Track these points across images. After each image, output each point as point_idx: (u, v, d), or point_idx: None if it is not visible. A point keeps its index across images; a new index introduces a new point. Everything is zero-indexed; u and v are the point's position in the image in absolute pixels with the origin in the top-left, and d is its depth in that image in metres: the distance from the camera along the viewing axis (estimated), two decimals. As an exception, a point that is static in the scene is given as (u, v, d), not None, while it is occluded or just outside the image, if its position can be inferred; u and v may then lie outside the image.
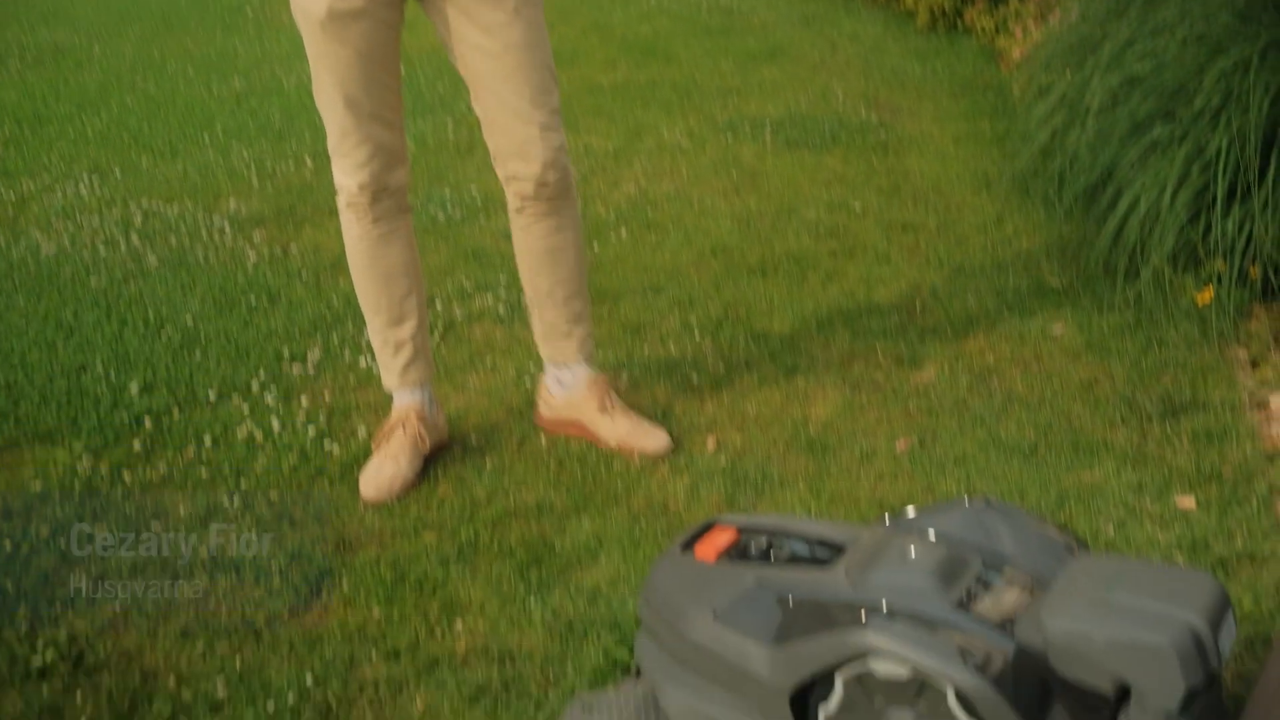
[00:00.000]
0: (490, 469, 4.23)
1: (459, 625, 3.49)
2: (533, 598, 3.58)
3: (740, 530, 3.18)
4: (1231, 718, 2.90)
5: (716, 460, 4.21)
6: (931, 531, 3.05)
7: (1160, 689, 2.58)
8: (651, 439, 4.31)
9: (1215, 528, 3.70)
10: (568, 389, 4.41)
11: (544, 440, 4.37)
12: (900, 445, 4.26)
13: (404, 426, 4.21)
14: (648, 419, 4.42)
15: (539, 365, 4.60)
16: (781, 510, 3.91)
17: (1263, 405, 4.38)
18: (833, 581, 2.89)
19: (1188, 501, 3.86)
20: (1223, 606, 2.68)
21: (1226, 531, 3.68)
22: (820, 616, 2.79)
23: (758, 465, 4.18)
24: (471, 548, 3.83)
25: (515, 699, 3.21)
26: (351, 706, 3.23)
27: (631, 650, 3.31)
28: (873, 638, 2.68)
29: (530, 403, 4.61)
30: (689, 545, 3.16)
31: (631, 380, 4.76)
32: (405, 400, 4.29)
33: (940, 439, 4.28)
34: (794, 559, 3.05)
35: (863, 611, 2.74)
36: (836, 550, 3.05)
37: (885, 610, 2.73)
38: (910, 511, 3.18)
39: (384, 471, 4.13)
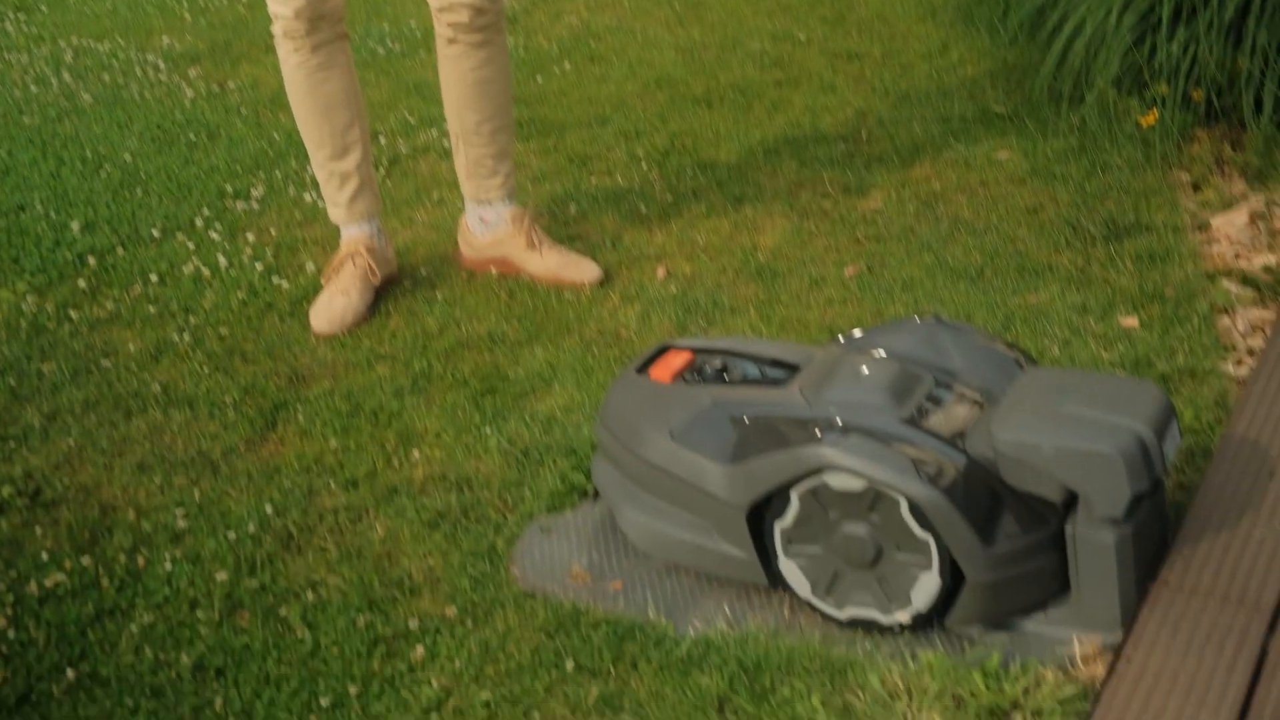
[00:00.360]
0: (441, 301, 4.23)
1: (416, 454, 3.52)
2: (488, 426, 3.60)
3: (694, 352, 3.22)
4: (1173, 525, 2.99)
5: (667, 288, 4.23)
6: (883, 350, 3.10)
7: (1107, 496, 2.65)
8: (582, 271, 4.32)
9: (1157, 345, 3.77)
10: (491, 227, 4.40)
11: (494, 272, 4.36)
12: (849, 271, 4.29)
13: (353, 260, 4.20)
14: (574, 251, 4.43)
15: (486, 198, 4.58)
16: (729, 335, 3.94)
17: (1204, 227, 4.44)
18: (788, 399, 2.93)
19: (1131, 321, 3.92)
20: (1167, 415, 2.75)
21: (1168, 349, 3.75)
22: (776, 434, 2.84)
23: (708, 293, 4.20)
24: (425, 378, 3.84)
25: (474, 524, 3.25)
26: (312, 534, 3.27)
27: (588, 474, 3.36)
28: (828, 453, 2.73)
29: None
30: (644, 368, 3.19)
31: (579, 211, 4.75)
32: (353, 233, 4.27)
33: (888, 264, 4.31)
34: (748, 379, 3.08)
35: (818, 428, 2.79)
36: (790, 370, 3.08)
37: (840, 425, 2.78)
38: (861, 331, 3.22)
39: (335, 305, 4.12)
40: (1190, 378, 3.63)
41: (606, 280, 4.28)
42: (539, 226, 4.44)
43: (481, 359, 3.91)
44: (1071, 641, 2.76)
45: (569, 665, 2.82)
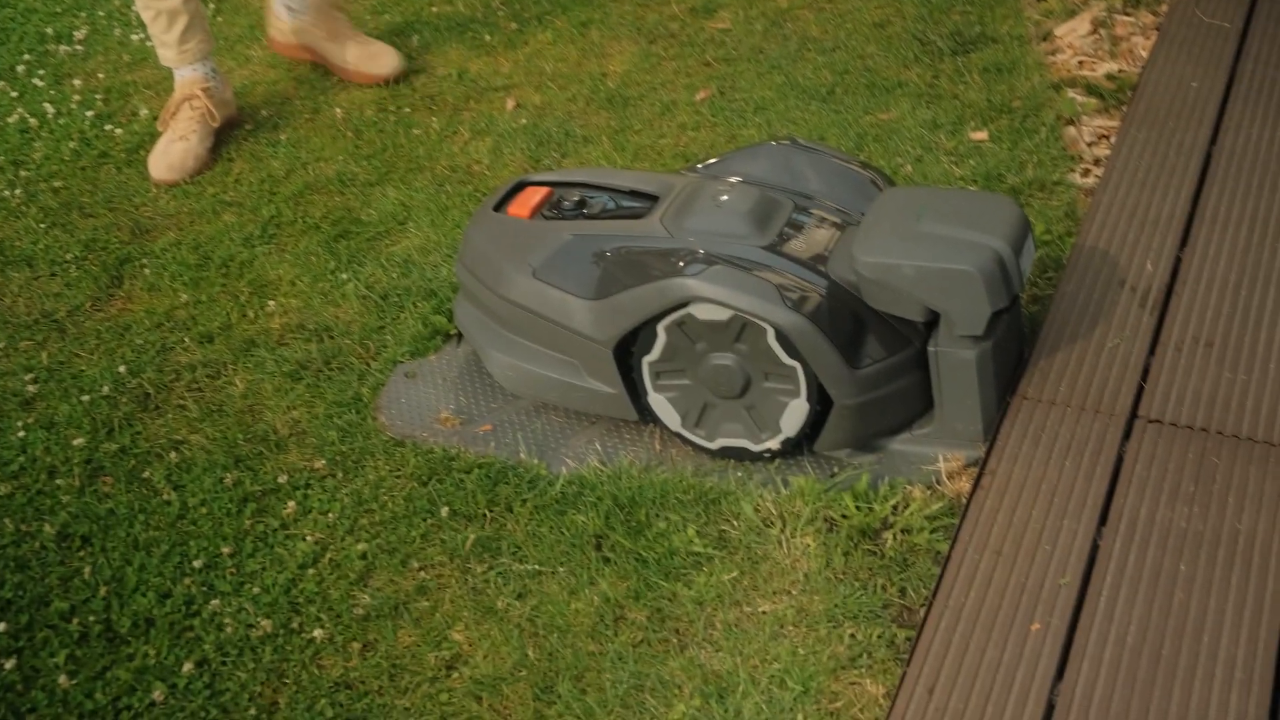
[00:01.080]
0: (285, 143, 4.10)
1: (271, 305, 3.44)
2: (344, 271, 3.53)
3: (552, 187, 3.16)
4: (1028, 339, 3.05)
5: (517, 120, 4.15)
6: (740, 175, 3.08)
7: (967, 313, 2.68)
8: (382, 63, 4.35)
9: (1007, 159, 3.80)
10: (296, 13, 4.37)
11: (339, 111, 4.24)
12: (700, 95, 4.24)
13: (190, 103, 4.03)
14: (378, 40, 4.43)
15: (325, 32, 4.41)
16: (588, 167, 3.88)
17: (1047, 37, 4.45)
18: (649, 231, 2.91)
19: (981, 135, 3.95)
20: (1024, 230, 2.78)
21: (1018, 162, 3.78)
22: (640, 268, 2.82)
23: (559, 123, 4.12)
24: (275, 225, 3.74)
25: (337, 373, 3.20)
26: (170, 393, 3.19)
27: (450, 317, 3.31)
28: (693, 284, 2.71)
29: (319, 69, 4.44)
30: (501, 205, 3.13)
31: (422, 43, 4.61)
32: (187, 75, 4.09)
33: (739, 87, 4.27)
34: (608, 212, 3.04)
35: (681, 259, 2.77)
36: (650, 200, 3.05)
37: (703, 255, 2.76)
38: (716, 157, 3.19)
39: (174, 150, 3.97)
40: (1040, 190, 3.67)
41: (450, 118, 4.17)
42: (344, 14, 4.42)
43: (332, 202, 3.82)
44: (937, 459, 2.83)
45: (444, 512, 2.81)
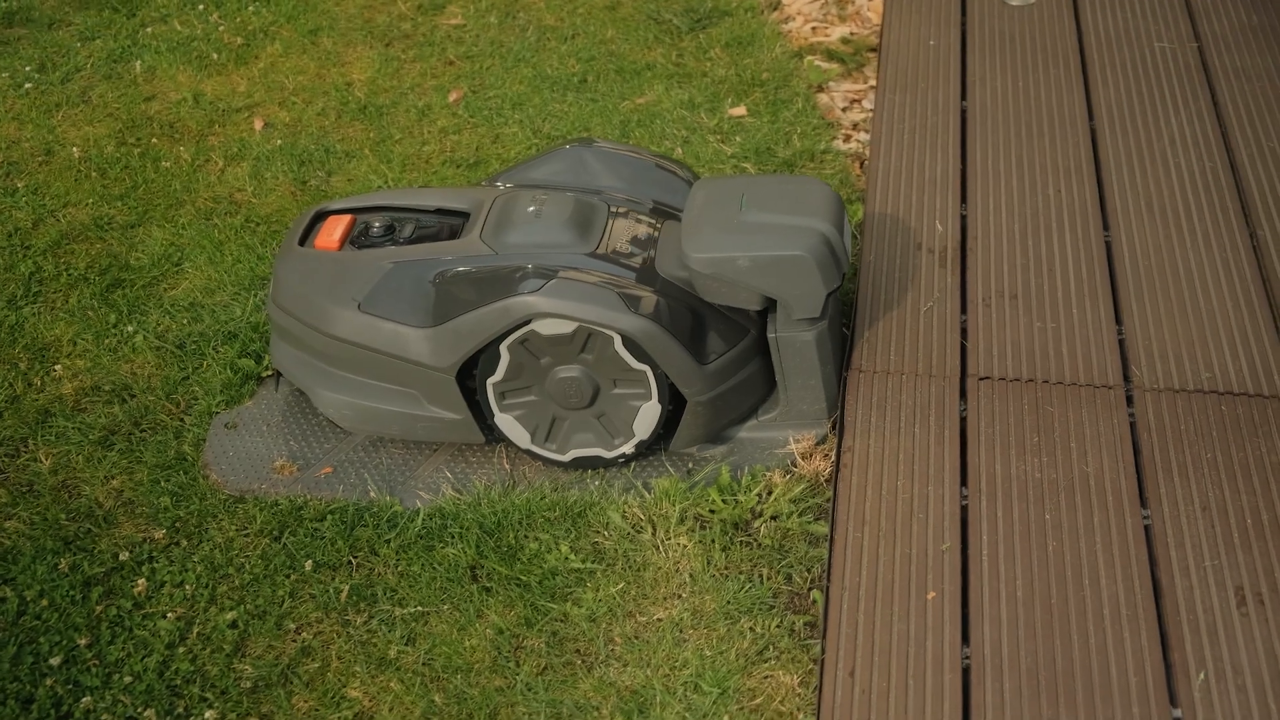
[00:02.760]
0: (24, 190, 3.83)
1: (58, 368, 3.22)
2: (128, 324, 3.34)
3: (353, 214, 3.07)
4: (847, 313, 3.14)
5: (271, 141, 3.99)
6: (543, 183, 3.06)
7: (803, 296, 2.74)
8: None
9: (771, 132, 3.89)
10: None
11: (75, 150, 3.98)
12: (453, 96, 4.17)
13: None
14: None
15: (38, 66, 4.13)
16: (356, 183, 3.78)
17: (777, 6, 4.57)
18: (471, 250, 2.85)
19: (739, 110, 4.03)
20: (841, 209, 2.86)
21: (783, 135, 3.88)
22: (474, 289, 2.76)
23: (315, 139, 3.99)
24: (37, 281, 3.50)
25: (150, 433, 3.03)
26: (-34, 478, 2.96)
27: (257, 359, 3.18)
28: (535, 301, 2.68)
29: (39, 106, 4.16)
30: (305, 239, 3.01)
31: (145, 67, 4.37)
32: None
33: (489, 84, 4.23)
34: (422, 234, 2.97)
35: (516, 277, 2.73)
36: (461, 217, 3.00)
37: (535, 270, 2.73)
38: (515, 166, 3.16)
39: None
40: (811, 160, 3.78)
41: (198, 146, 3.98)
42: None
43: (94, 250, 3.60)
44: (787, 441, 2.89)
45: (307, 565, 2.71)
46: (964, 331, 3.02)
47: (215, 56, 4.42)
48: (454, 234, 2.94)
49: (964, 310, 3.08)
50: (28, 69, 4.35)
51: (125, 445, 3.00)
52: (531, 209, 2.88)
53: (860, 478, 2.70)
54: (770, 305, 2.80)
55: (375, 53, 4.42)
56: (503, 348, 2.77)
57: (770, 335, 2.81)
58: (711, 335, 2.80)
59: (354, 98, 4.18)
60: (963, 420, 2.81)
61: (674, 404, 2.82)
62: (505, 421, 2.87)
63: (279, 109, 4.16)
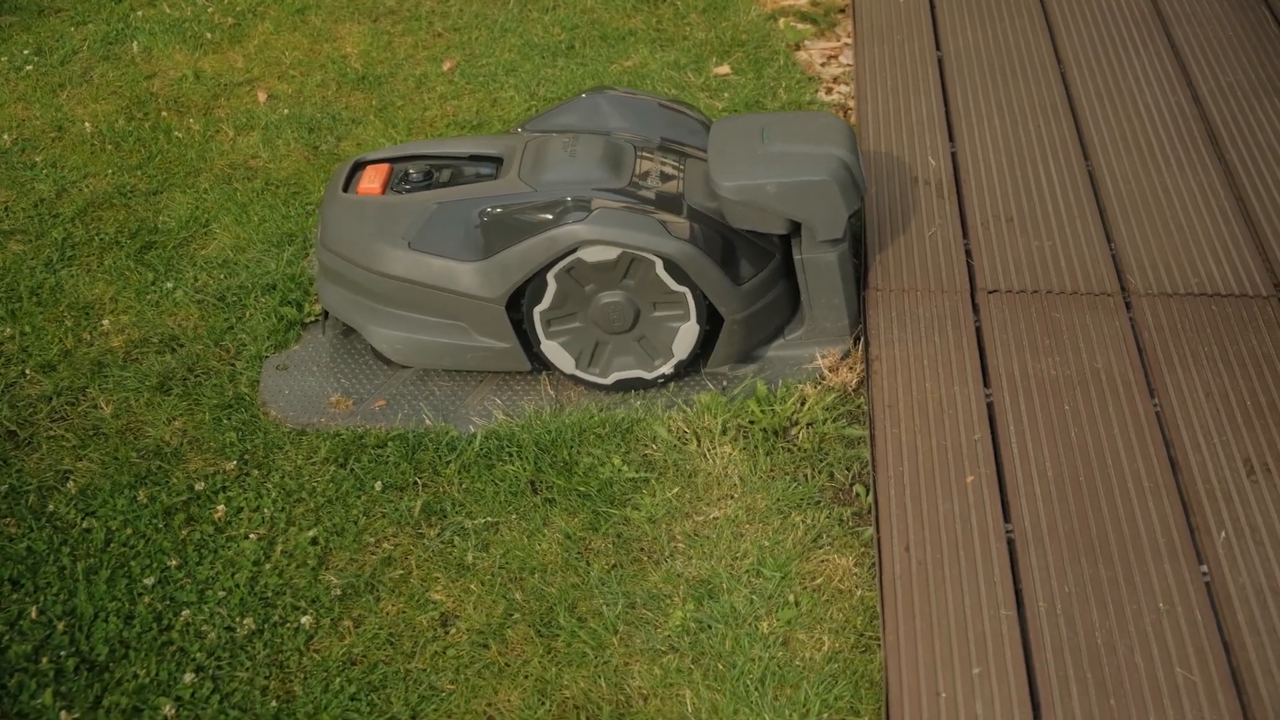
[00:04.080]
0: (43, 164, 3.94)
1: (105, 323, 3.34)
2: (167, 280, 3.47)
3: (391, 163, 3.23)
4: (858, 234, 3.35)
5: (277, 111, 4.14)
6: (571, 127, 3.24)
7: (827, 219, 2.95)
8: None
9: (758, 88, 4.10)
10: None
11: (88, 126, 4.10)
12: (447, 65, 4.34)
13: None
14: None
15: (35, 44, 4.23)
16: (366, 145, 3.93)
17: (747, -28, 4.78)
18: (513, 189, 3.03)
19: (724, 69, 4.23)
20: (853, 139, 3.07)
21: (769, 90, 4.09)
22: (520, 223, 2.94)
23: (320, 108, 4.14)
24: (70, 246, 3.62)
25: (206, 378, 3.17)
26: (34, 427, 3.07)
27: (299, 306, 3.33)
28: (580, 230, 2.87)
29: (43, 87, 4.27)
30: (347, 186, 3.17)
31: (141, 48, 4.49)
32: None
33: (480, 53, 4.39)
34: (460, 178, 3.14)
35: (559, 209, 2.91)
36: (495, 162, 3.17)
37: (577, 202, 2.91)
38: (540, 114, 3.34)
39: None
40: (799, 110, 3.98)
41: (206, 118, 4.11)
42: None
43: (121, 215, 3.72)
44: (814, 357, 3.09)
45: (376, 486, 2.87)
46: (968, 251, 3.24)
47: (209, 36, 4.55)
48: (491, 178, 3.11)
49: (965, 234, 3.30)
50: (25, 52, 4.45)
51: (182, 389, 3.14)
52: (564, 150, 3.07)
53: (890, 382, 2.91)
54: (795, 230, 3.01)
55: (364, 28, 4.57)
56: (549, 276, 2.95)
57: (796, 257, 3.01)
58: (743, 259, 3.00)
59: (351, 69, 4.33)
60: (977, 329, 3.02)
61: (710, 324, 3.02)
62: (551, 348, 3.05)
63: (279, 82, 4.30)
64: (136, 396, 3.13)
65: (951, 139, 3.64)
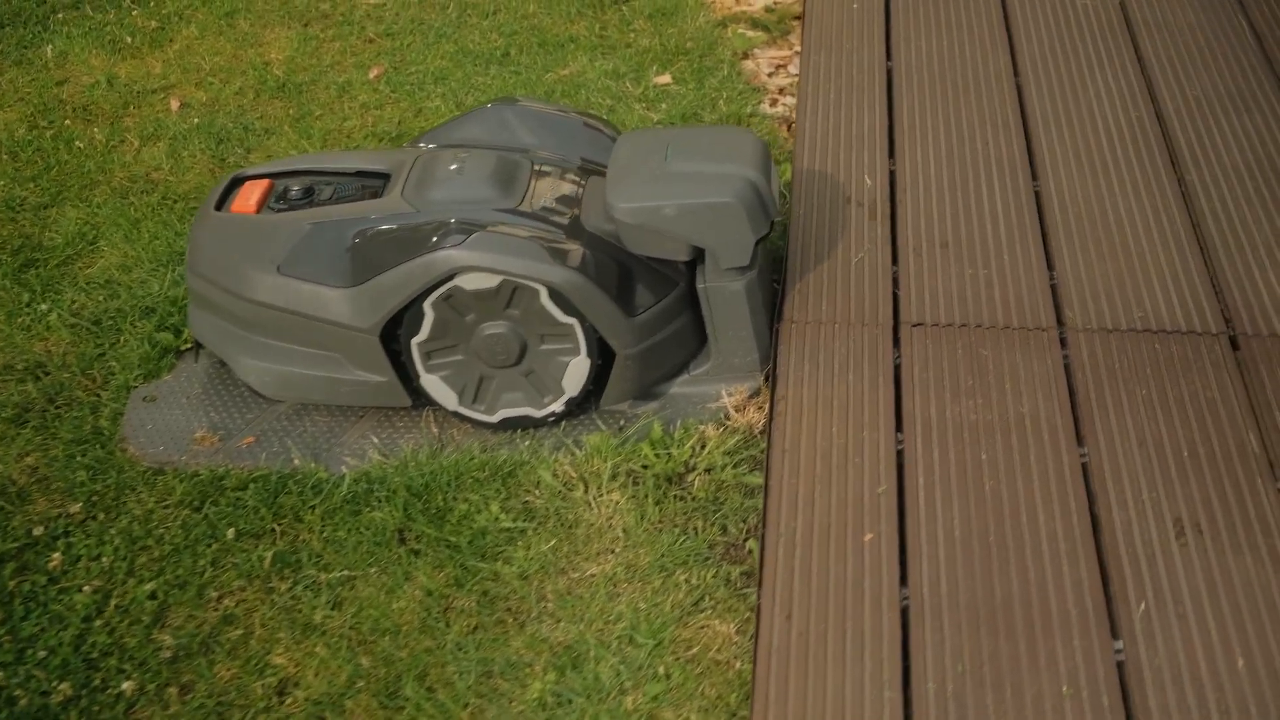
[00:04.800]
0: (-68, 175, 3.73)
1: (-32, 348, 3.12)
2: (42, 302, 3.24)
3: (271, 179, 2.99)
4: (779, 265, 3.10)
5: (187, 120, 3.91)
6: (467, 141, 3.00)
7: (732, 244, 2.69)
8: None
9: (697, 99, 3.84)
10: None
11: (-17, 133, 3.88)
12: (374, 73, 4.10)
13: None
14: None
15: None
16: (276, 158, 3.69)
17: (701, -23, 4.53)
18: (393, 208, 2.79)
19: (664, 79, 3.98)
20: (767, 156, 2.81)
21: (709, 100, 3.83)
22: (395, 247, 2.70)
23: (234, 118, 3.91)
24: (-54, 264, 3.40)
25: (66, 409, 2.94)
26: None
27: (176, 332, 3.10)
28: (458, 255, 2.62)
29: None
30: (221, 204, 2.94)
31: (57, 51, 4.27)
32: None
33: (411, 60, 4.16)
34: (343, 196, 2.90)
35: (438, 232, 2.66)
36: (382, 179, 2.93)
37: (458, 225, 2.66)
38: (438, 126, 3.10)
39: None
40: (738, 124, 3.73)
41: (112, 127, 3.89)
42: None
43: (5, 231, 3.50)
44: (720, 395, 2.83)
45: (229, 534, 2.63)
46: (895, 280, 2.98)
47: (129, 40, 4.33)
48: (375, 195, 2.87)
49: (895, 260, 3.04)
50: (-65, 56, 4.25)
51: (40, 422, 2.91)
52: (454, 166, 2.82)
53: (794, 426, 2.65)
54: (699, 256, 2.75)
55: (294, 33, 4.34)
56: (426, 305, 2.70)
57: (700, 286, 2.76)
58: (640, 288, 2.75)
59: (272, 76, 4.10)
60: (896, 367, 2.76)
61: (603, 359, 2.76)
62: (431, 383, 2.80)
63: (196, 89, 4.07)
64: (-10, 429, 2.90)
65: (892, 156, 3.38)
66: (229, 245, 2.82)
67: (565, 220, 2.75)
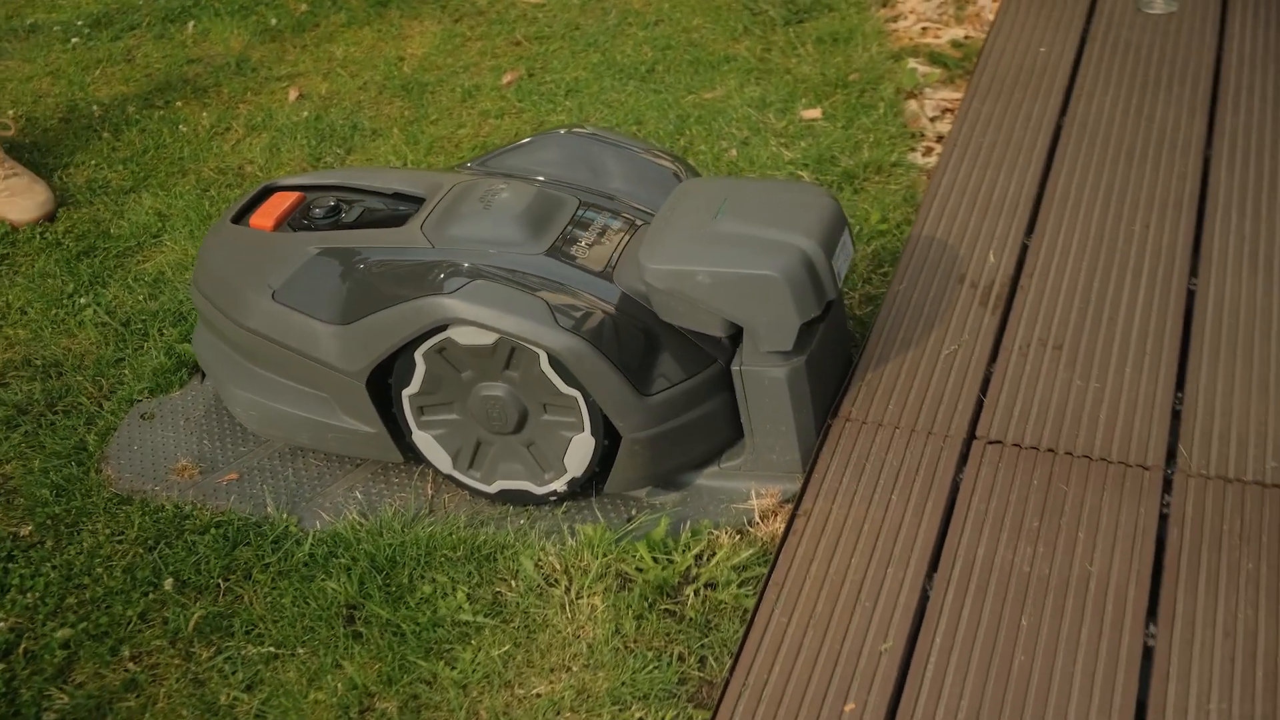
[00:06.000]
0: (28, 147, 3.60)
1: (-8, 337, 2.96)
2: (83, 295, 3.06)
3: (303, 192, 2.72)
4: (857, 344, 2.66)
5: (299, 113, 3.69)
6: (521, 170, 2.67)
7: (773, 325, 2.29)
8: (20, 206, 3.29)
9: (841, 139, 3.42)
10: None
11: (97, 109, 3.74)
12: (507, 78, 3.81)
13: None
14: (27, 172, 3.36)
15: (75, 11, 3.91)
16: (373, 164, 3.44)
17: (889, 2, 4.08)
18: (406, 241, 2.48)
19: (813, 113, 3.56)
20: (837, 225, 2.39)
21: (853, 143, 3.40)
22: (391, 285, 2.38)
23: (346, 115, 3.67)
24: (10, 243, 3.26)
25: (61, 417, 2.74)
26: None
27: (200, 345, 2.86)
28: (449, 304, 2.29)
29: (79, 63, 3.94)
30: (242, 216, 2.68)
31: (200, 30, 4.13)
32: None
33: (551, 68, 3.84)
34: (365, 219, 2.60)
35: (441, 274, 2.34)
36: (415, 204, 2.62)
37: (466, 269, 2.33)
38: (497, 150, 2.77)
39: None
40: (877, 172, 3.29)
41: (223, 112, 3.70)
42: None
43: (78, 214, 3.34)
44: (749, 495, 2.43)
45: (168, 584, 2.36)
46: (985, 384, 2.51)
47: (274, 22, 4.15)
48: (400, 223, 2.56)
49: (993, 358, 2.57)
50: (79, 23, 4.15)
51: (31, 428, 2.71)
52: (483, 199, 2.49)
53: (808, 548, 2.23)
54: (739, 332, 2.36)
55: (441, 28, 4.08)
56: (418, 355, 2.38)
57: (734, 368, 2.36)
58: (664, 361, 2.36)
59: (400, 73, 3.85)
60: (954, 490, 2.30)
61: (611, 439, 2.39)
62: (423, 440, 2.48)
63: (320, 80, 3.85)
64: (-19, 427, 2.72)
65: (1031, 230, 2.89)
66: (232, 263, 2.56)
67: (595, 273, 2.39)
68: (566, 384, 2.32)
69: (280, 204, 2.66)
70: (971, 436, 2.40)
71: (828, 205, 2.40)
